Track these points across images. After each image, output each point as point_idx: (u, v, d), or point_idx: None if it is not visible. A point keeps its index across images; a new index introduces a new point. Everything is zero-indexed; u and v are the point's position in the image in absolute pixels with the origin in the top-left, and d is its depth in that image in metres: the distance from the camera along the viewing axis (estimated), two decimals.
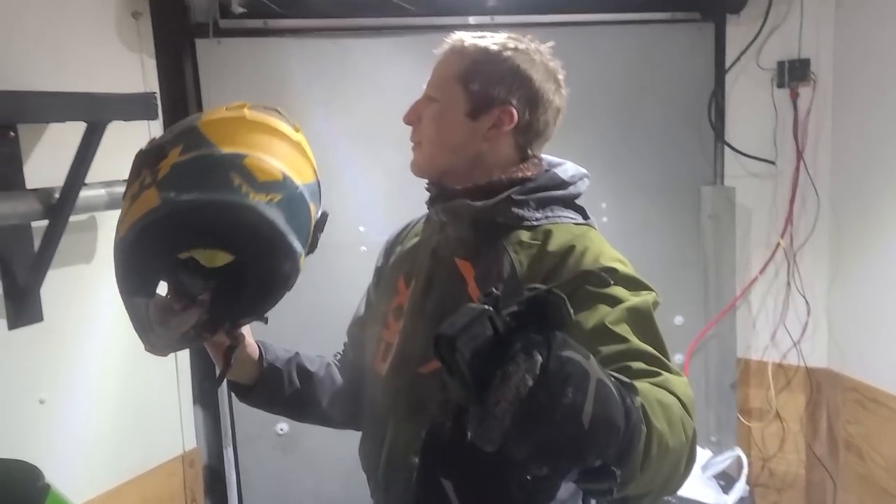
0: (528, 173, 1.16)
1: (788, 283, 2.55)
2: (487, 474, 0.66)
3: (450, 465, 0.70)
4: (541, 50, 1.18)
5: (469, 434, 0.59)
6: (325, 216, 1.13)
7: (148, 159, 1.02)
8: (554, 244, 1.09)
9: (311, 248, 1.11)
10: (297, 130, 1.09)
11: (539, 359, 0.58)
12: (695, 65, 2.53)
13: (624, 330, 0.96)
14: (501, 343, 0.59)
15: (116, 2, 1.95)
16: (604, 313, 0.98)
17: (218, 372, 1.18)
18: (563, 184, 1.17)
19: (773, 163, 2.53)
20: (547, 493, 0.66)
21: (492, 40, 1.16)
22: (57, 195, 1.66)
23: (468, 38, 1.17)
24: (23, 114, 1.58)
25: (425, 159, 1.19)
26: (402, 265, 1.28)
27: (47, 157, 1.76)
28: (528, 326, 0.60)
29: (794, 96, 2.46)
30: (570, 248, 1.08)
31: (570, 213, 1.17)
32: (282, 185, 1.01)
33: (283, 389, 1.30)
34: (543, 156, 1.22)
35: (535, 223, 1.13)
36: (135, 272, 1.02)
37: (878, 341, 2.32)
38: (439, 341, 0.59)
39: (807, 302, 2.53)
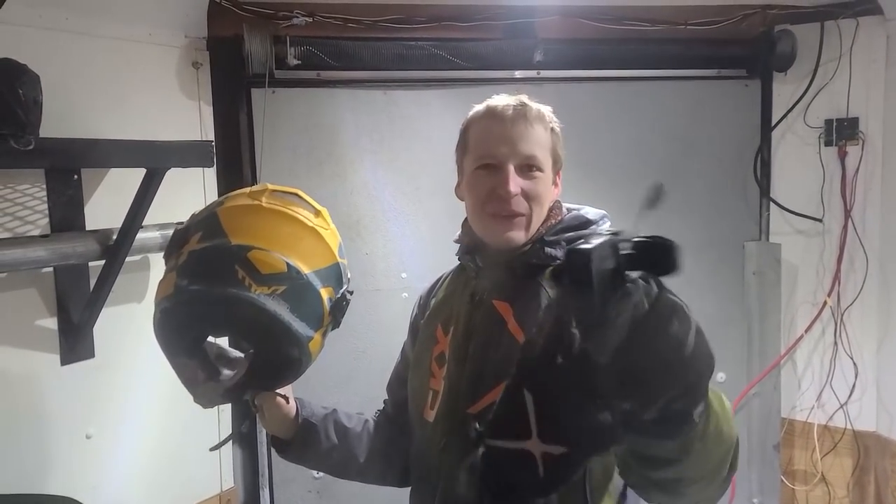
0: (556, 219, 1.24)
1: (835, 344, 2.50)
2: (571, 399, 0.69)
3: (537, 381, 0.73)
4: None
5: (585, 346, 0.66)
6: (344, 297, 1.19)
7: (176, 240, 1.13)
8: None
9: (334, 325, 1.18)
10: (316, 215, 1.15)
11: (655, 288, 0.68)
12: (741, 121, 2.55)
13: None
14: (619, 273, 0.68)
15: (179, 53, 2.04)
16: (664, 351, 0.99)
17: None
18: (588, 223, 1.23)
19: (819, 220, 2.50)
20: (617, 436, 0.69)
21: (547, 107, 1.23)
22: (115, 237, 1.72)
23: (538, 107, 1.21)
24: (87, 159, 1.66)
25: (528, 232, 1.20)
26: (438, 315, 1.31)
27: (106, 199, 1.84)
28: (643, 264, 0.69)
29: (843, 154, 2.45)
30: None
31: None
32: (286, 277, 1.08)
33: (320, 444, 1.33)
34: (564, 204, 1.28)
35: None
36: (167, 342, 1.12)
37: None
38: (573, 255, 0.66)
39: (854, 363, 2.47)
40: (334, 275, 1.17)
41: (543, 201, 1.20)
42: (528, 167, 1.18)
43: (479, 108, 1.24)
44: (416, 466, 1.32)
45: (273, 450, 1.38)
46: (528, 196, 1.18)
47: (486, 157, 1.19)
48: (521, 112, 1.18)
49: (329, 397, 2.30)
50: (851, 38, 2.39)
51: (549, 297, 1.15)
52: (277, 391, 1.25)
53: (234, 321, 1.10)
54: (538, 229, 1.21)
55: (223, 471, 2.23)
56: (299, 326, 1.08)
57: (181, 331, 1.11)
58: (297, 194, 1.17)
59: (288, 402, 1.30)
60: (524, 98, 1.22)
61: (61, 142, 1.40)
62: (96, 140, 1.59)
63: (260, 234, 1.09)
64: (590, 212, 1.26)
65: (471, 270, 1.28)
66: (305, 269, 1.10)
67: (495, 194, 1.18)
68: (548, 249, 1.19)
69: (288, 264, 1.08)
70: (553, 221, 1.23)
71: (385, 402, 1.48)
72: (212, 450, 1.37)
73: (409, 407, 1.35)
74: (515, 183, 1.16)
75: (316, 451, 1.34)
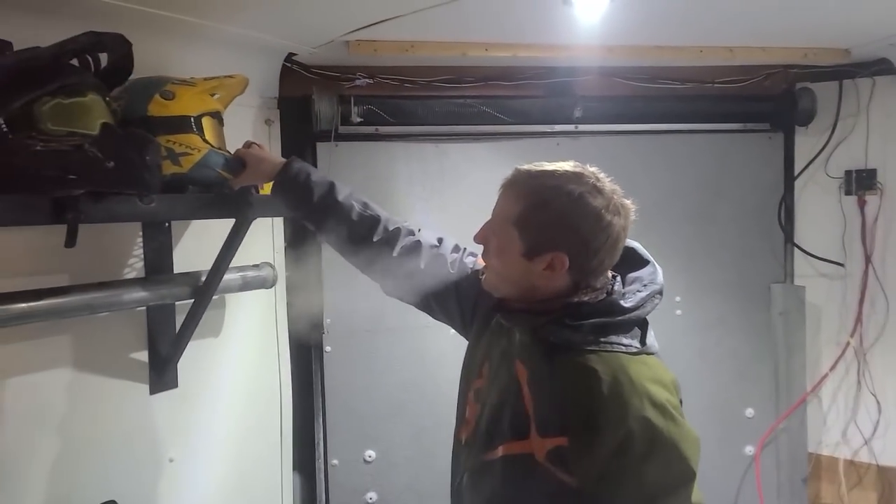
0: (585, 298, 1.22)
1: (859, 382, 2.63)
2: None
3: None
4: (598, 186, 1.20)
5: None
6: None
7: None
8: (600, 384, 1.14)
9: None
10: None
11: None
12: (765, 171, 2.72)
13: None
14: None
15: (254, 112, 2.26)
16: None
17: None
18: (621, 311, 1.20)
19: (841, 265, 2.65)
20: None
21: (549, 181, 1.21)
22: (203, 278, 1.91)
23: (527, 178, 1.23)
24: (177, 212, 1.82)
25: (491, 282, 1.31)
26: (485, 348, 1.39)
27: (192, 244, 2.03)
28: None
29: (862, 203, 2.61)
30: (618, 396, 1.13)
31: (626, 339, 1.19)
32: None
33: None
34: (634, 246, 1.31)
35: (586, 348, 1.17)
36: None
37: None
38: None
39: (877, 401, 2.60)
40: None
41: (498, 263, 1.25)
42: (491, 225, 1.29)
43: None
44: (452, 473, 1.45)
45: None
46: (485, 250, 1.30)
47: None
48: (507, 182, 1.27)
49: (381, 427, 2.49)
50: (868, 96, 2.57)
51: (563, 385, 1.17)
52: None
53: None
54: (550, 302, 1.23)
55: (284, 495, 2.39)
56: None
57: None
58: None
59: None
60: (537, 172, 1.24)
61: (168, 198, 1.58)
62: (188, 196, 1.76)
63: None
64: (634, 292, 1.23)
65: (505, 325, 1.32)
66: None
67: None
68: (567, 333, 1.19)
69: None
70: (578, 301, 1.21)
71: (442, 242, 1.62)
72: None
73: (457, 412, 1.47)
74: (480, 234, 1.30)
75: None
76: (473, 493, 1.32)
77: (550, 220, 1.20)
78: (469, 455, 1.35)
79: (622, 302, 1.21)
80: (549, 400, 1.19)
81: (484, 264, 1.33)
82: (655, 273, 1.30)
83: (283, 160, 1.61)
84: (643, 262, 1.32)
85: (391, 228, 1.59)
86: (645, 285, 1.26)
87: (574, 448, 1.14)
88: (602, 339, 1.18)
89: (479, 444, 1.31)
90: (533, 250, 1.21)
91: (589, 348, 1.18)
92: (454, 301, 1.55)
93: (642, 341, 1.22)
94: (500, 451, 1.25)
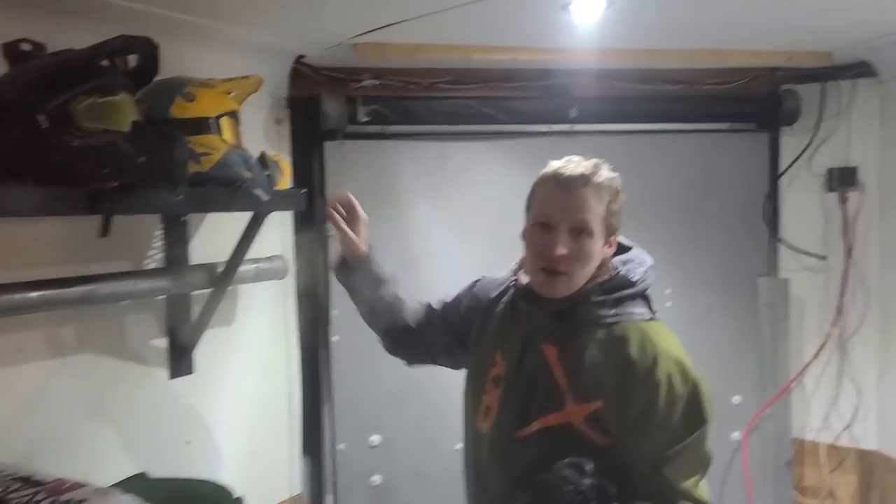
0: (606, 276, 1.38)
1: (840, 370, 2.75)
2: None
3: None
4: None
5: None
6: None
7: None
8: (628, 348, 1.33)
9: None
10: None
11: None
12: (752, 169, 2.84)
13: (675, 473, 1.30)
14: None
15: (265, 112, 2.36)
16: (664, 446, 1.30)
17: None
18: (632, 283, 1.39)
19: (824, 258, 2.77)
20: None
21: (612, 175, 1.38)
22: (220, 269, 2.01)
23: (603, 177, 1.35)
24: (200, 205, 1.91)
25: (570, 285, 1.36)
26: (497, 339, 1.53)
27: (207, 237, 2.13)
28: None
29: (843, 200, 2.73)
30: (646, 355, 1.32)
31: (640, 308, 1.39)
32: None
33: (370, 272, 1.68)
34: (620, 239, 1.45)
35: (610, 321, 1.36)
36: None
37: None
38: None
39: (857, 388, 2.72)
40: None
41: (588, 261, 1.35)
42: (577, 231, 1.33)
43: (549, 170, 1.39)
44: (469, 464, 1.58)
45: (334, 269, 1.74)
46: (573, 257, 1.33)
47: (544, 218, 1.36)
48: (583, 183, 1.33)
49: (387, 413, 2.59)
50: (849, 97, 2.69)
51: (594, 355, 1.34)
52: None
53: None
54: (584, 284, 1.37)
55: (293, 478, 2.49)
56: None
57: None
58: None
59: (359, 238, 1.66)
60: (590, 168, 1.35)
61: (192, 192, 1.68)
62: (209, 189, 1.85)
63: None
64: (636, 267, 1.41)
65: (525, 312, 1.46)
66: None
67: (545, 252, 1.34)
68: (594, 310, 1.36)
69: None
70: (602, 278, 1.38)
71: (429, 304, 1.77)
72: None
73: (463, 407, 1.60)
74: (563, 245, 1.32)
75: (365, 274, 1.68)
76: (504, 471, 1.42)
77: (621, 206, 1.39)
78: (495, 437, 1.46)
79: (630, 277, 1.39)
80: (583, 371, 1.35)
81: (563, 274, 1.37)
82: (642, 253, 1.47)
83: (365, 251, 1.70)
84: (626, 248, 1.47)
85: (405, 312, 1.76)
86: (638, 263, 1.42)
87: (609, 408, 1.32)
88: (620, 312, 1.37)
89: (508, 425, 1.43)
90: (608, 236, 1.39)
91: (611, 321, 1.36)
92: (461, 324, 1.68)
93: (651, 310, 1.41)
94: (535, 426, 1.38)
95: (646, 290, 1.42)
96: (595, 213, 1.34)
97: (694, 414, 1.32)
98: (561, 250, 1.32)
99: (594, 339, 1.36)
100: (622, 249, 1.46)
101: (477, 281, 1.71)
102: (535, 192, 1.42)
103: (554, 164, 1.40)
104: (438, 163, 2.63)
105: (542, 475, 1.12)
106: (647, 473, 1.30)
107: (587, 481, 1.10)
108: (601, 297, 1.37)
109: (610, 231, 1.38)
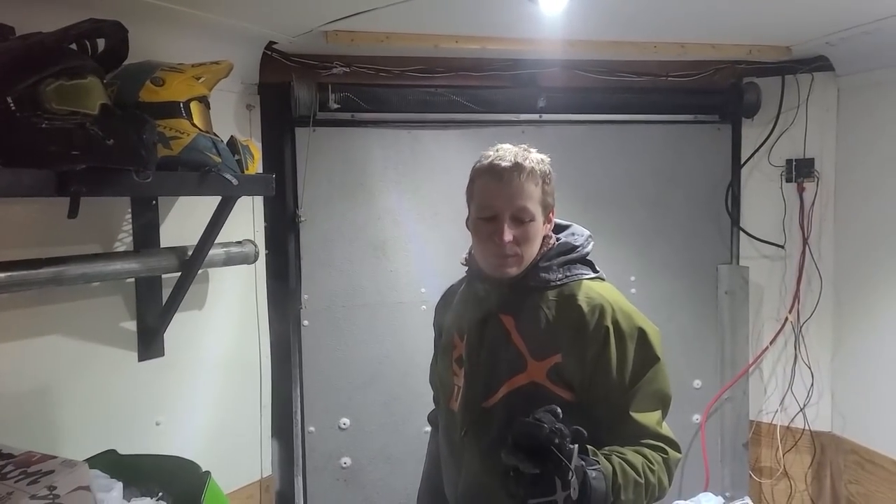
0: (547, 247, 1.51)
1: (795, 354, 2.85)
2: None
3: None
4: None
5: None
6: None
7: None
8: (577, 302, 1.44)
9: None
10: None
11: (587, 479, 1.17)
12: (714, 160, 2.92)
13: (637, 409, 1.40)
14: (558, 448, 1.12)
15: (236, 97, 2.37)
16: (622, 387, 1.40)
17: None
18: (575, 248, 1.52)
19: (782, 247, 2.87)
20: None
21: (541, 158, 1.47)
22: (190, 253, 2.03)
23: (534, 164, 1.44)
24: (169, 188, 1.93)
25: (521, 264, 1.46)
26: (455, 324, 1.63)
27: (177, 221, 2.14)
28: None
29: (801, 190, 2.82)
30: (594, 306, 1.43)
31: (584, 269, 1.52)
32: None
33: None
34: (557, 220, 1.55)
35: (558, 283, 1.47)
36: None
37: (876, 408, 2.61)
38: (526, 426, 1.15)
39: (811, 371, 2.82)
40: None
41: (534, 241, 1.45)
42: (519, 217, 1.42)
43: (483, 162, 1.46)
44: (445, 444, 1.64)
45: None
46: (519, 241, 1.42)
47: (486, 210, 1.44)
48: (517, 172, 1.41)
49: (356, 396, 2.63)
50: (808, 91, 2.77)
51: (547, 314, 1.45)
52: None
53: None
54: (532, 259, 1.47)
55: (263, 460, 2.52)
56: None
57: None
58: None
59: None
60: (520, 155, 1.43)
61: (161, 175, 1.69)
62: (178, 173, 1.87)
63: None
64: (577, 234, 1.55)
65: (480, 291, 1.55)
66: None
67: (493, 240, 1.42)
68: (542, 274, 1.48)
69: None
70: (545, 248, 1.50)
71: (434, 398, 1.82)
72: None
73: (440, 396, 1.68)
74: (509, 233, 1.41)
75: None
76: (476, 443, 1.49)
77: (553, 185, 1.48)
78: (464, 412, 1.52)
79: (573, 243, 1.53)
80: (540, 330, 1.45)
81: (512, 256, 1.45)
82: (579, 227, 1.59)
83: None
84: (565, 226, 1.59)
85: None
86: (578, 234, 1.57)
87: (568, 360, 1.41)
88: (568, 273, 1.49)
89: (475, 397, 1.50)
90: (547, 215, 1.48)
91: (561, 282, 1.48)
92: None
93: (595, 271, 1.54)
94: (501, 392, 1.47)
95: (587, 254, 1.54)
96: (533, 198, 1.43)
97: (645, 351, 1.42)
98: (507, 237, 1.41)
99: (546, 300, 1.47)
100: (561, 229, 1.57)
101: (440, 300, 1.79)
102: (475, 185, 1.49)
103: (487, 156, 1.47)
104: (408, 150, 2.66)
105: (519, 419, 1.18)
106: (612, 418, 1.39)
107: (561, 424, 1.16)
108: (547, 263, 1.48)
109: (547, 209, 1.48)
